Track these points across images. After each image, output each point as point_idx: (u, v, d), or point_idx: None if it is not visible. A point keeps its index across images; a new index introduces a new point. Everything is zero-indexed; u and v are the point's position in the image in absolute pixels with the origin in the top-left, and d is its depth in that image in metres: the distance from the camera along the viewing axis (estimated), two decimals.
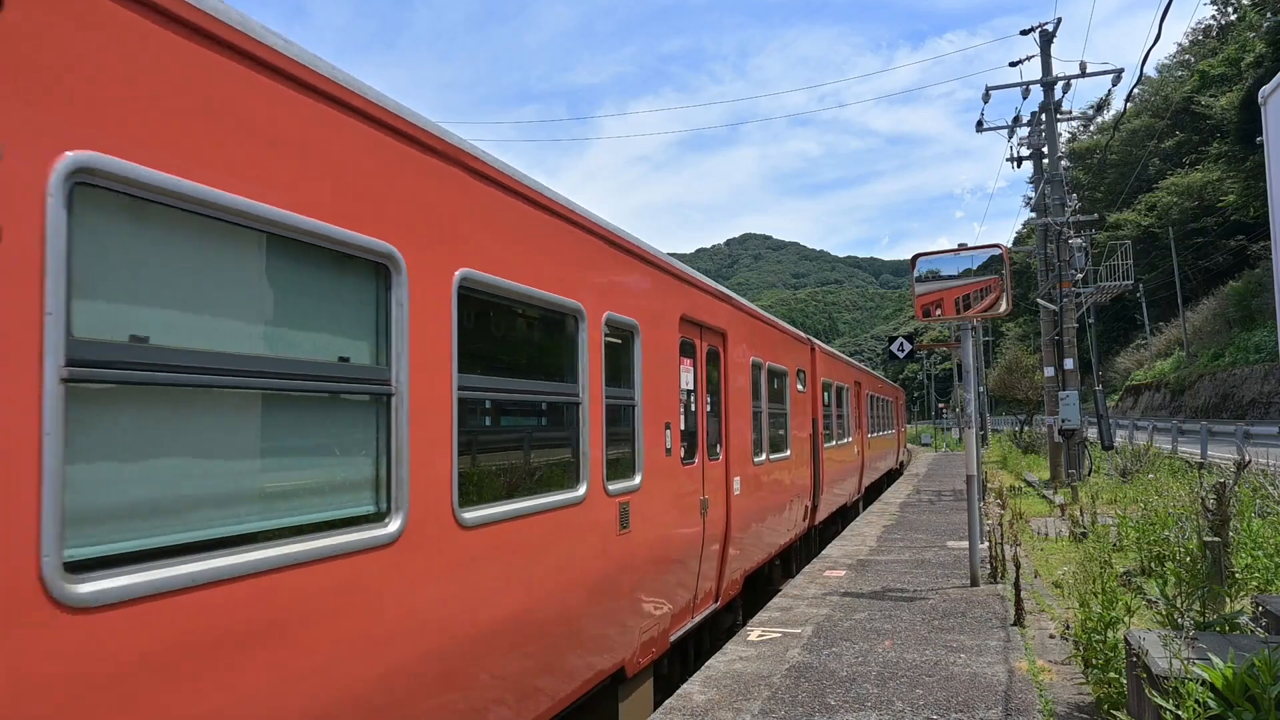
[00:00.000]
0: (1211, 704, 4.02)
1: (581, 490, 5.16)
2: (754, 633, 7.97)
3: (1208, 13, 66.04)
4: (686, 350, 7.30)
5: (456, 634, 3.84)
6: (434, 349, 3.76)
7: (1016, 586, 8.20)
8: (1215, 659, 4.22)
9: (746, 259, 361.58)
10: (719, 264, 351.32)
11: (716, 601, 8.07)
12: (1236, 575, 7.45)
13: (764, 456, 10.03)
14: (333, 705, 3.06)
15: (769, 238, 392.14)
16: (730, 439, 8.52)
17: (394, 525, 3.43)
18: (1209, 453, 19.61)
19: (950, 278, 10.01)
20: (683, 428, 7.15)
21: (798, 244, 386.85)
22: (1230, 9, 63.45)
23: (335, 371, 3.29)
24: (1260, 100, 6.21)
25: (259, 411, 2.95)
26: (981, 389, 52.40)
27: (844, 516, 17.44)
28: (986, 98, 24.74)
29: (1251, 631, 5.64)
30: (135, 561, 2.41)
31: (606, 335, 5.62)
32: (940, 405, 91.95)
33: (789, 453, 11.56)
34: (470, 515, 3.95)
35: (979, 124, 25.73)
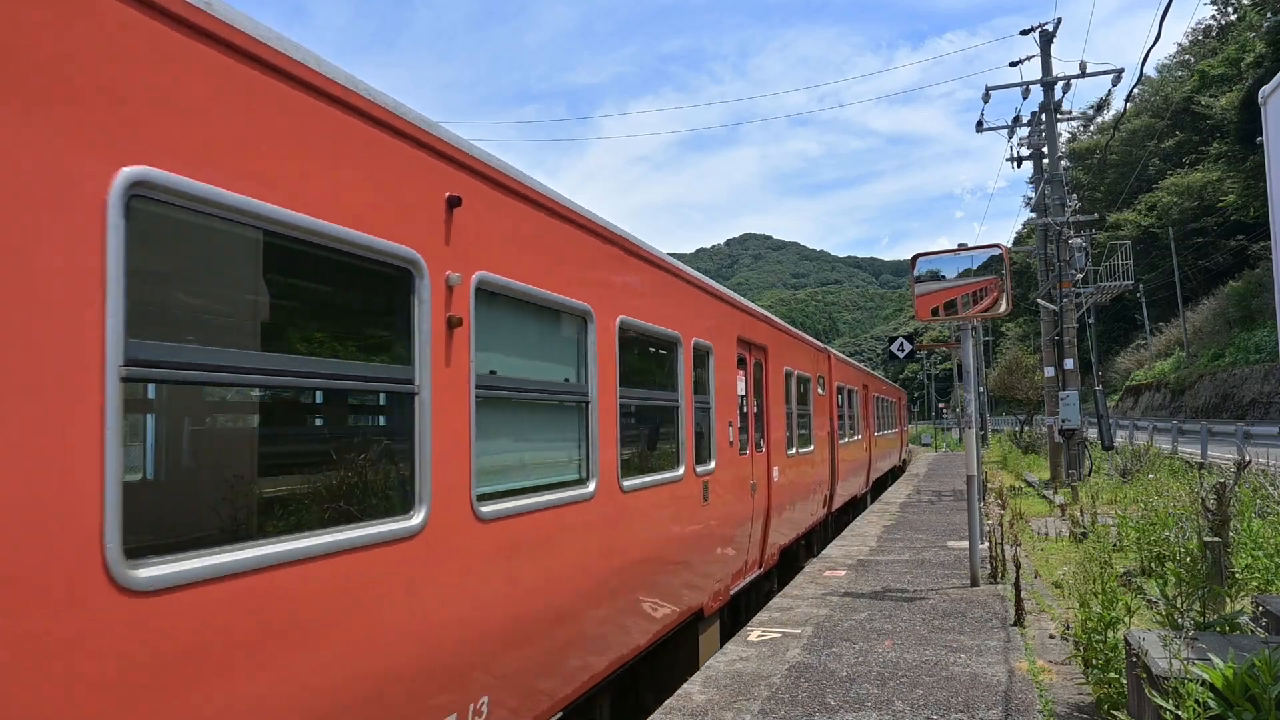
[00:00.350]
0: (1211, 704, 4.02)
1: (681, 470, 6.98)
2: (754, 633, 7.97)
3: (1208, 13, 66.13)
4: (740, 363, 8.93)
5: (627, 560, 5.80)
6: (607, 371, 5.60)
7: (1016, 586, 8.20)
8: (1215, 659, 4.22)
9: (746, 259, 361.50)
10: (719, 264, 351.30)
11: (761, 567, 9.60)
12: (1236, 575, 7.45)
13: (794, 450, 11.80)
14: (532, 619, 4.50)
15: (769, 238, 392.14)
16: (770, 435, 10.19)
17: (590, 487, 5.30)
18: (1209, 453, 19.61)
19: (950, 278, 10.01)
20: (739, 425, 8.74)
21: (798, 244, 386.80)
22: (1230, 9, 63.47)
23: (554, 386, 5.20)
24: (1260, 100, 6.21)
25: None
26: (981, 389, 52.43)
27: (854, 508, 18.94)
28: (986, 98, 24.74)
29: (1251, 631, 5.64)
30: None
31: (693, 355, 7.48)
32: (940, 405, 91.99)
33: (812, 447, 13.36)
34: (627, 483, 5.85)
35: (979, 124, 25.73)
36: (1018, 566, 8.95)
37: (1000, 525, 12.72)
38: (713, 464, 7.77)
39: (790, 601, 9.31)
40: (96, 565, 2.26)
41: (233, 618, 2.66)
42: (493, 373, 4.24)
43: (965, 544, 11.83)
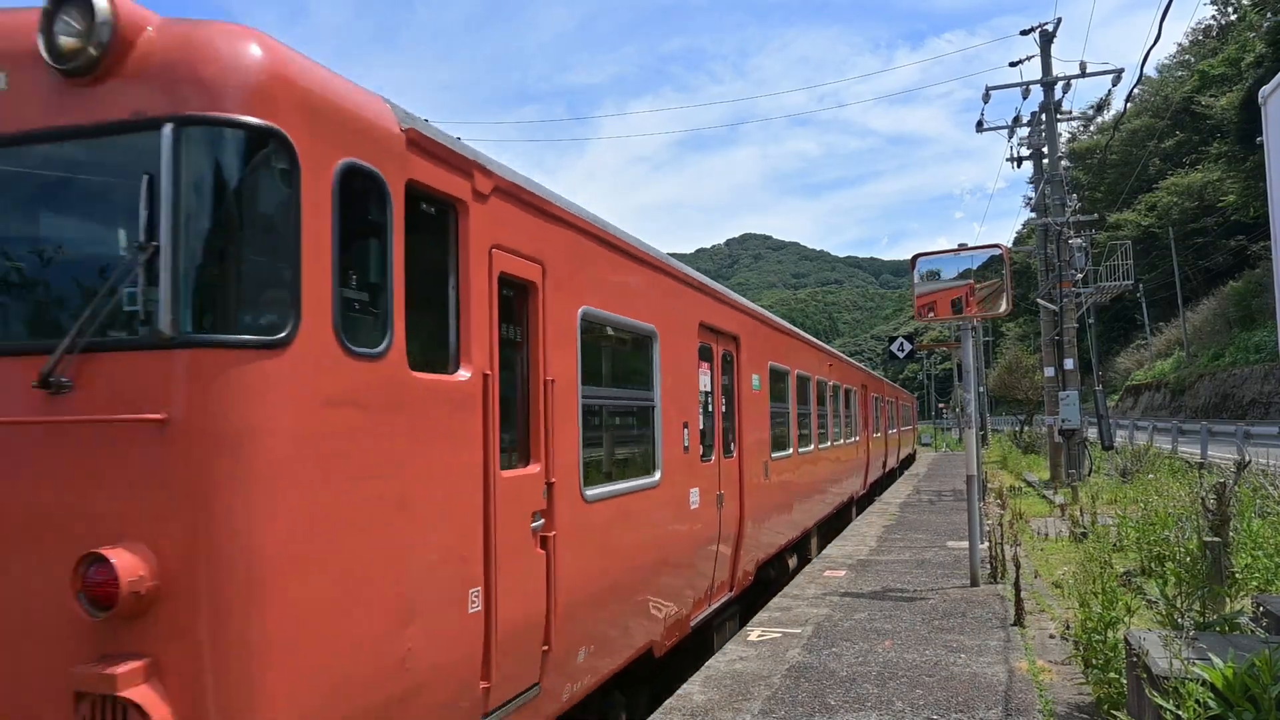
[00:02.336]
0: (1211, 704, 4.02)
1: (854, 440, 14.64)
2: (754, 633, 7.97)
3: (1208, 13, 66.04)
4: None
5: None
6: (743, 394, 9.19)
7: (1016, 586, 8.20)
8: (1215, 659, 4.22)
9: (746, 259, 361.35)
10: (719, 264, 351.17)
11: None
12: (1236, 575, 7.45)
13: (854, 440, 17.90)
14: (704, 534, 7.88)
15: (769, 238, 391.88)
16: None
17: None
18: (1209, 453, 19.60)
19: (950, 278, 10.00)
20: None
21: (798, 244, 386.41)
22: (1230, 9, 63.42)
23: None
24: (1260, 100, 6.22)
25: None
26: (981, 389, 52.39)
27: (880, 485, 24.10)
28: (986, 98, 24.73)
29: (1251, 631, 5.64)
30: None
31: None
32: (940, 405, 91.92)
33: (857, 438, 18.21)
34: (782, 455, 10.06)
35: (979, 124, 25.71)
36: (1017, 566, 8.95)
37: (1000, 525, 12.71)
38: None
39: (790, 601, 9.31)
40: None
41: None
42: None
43: (965, 544, 11.83)
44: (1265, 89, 6.13)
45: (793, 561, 11.69)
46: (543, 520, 4.79)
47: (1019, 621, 7.94)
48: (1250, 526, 8.42)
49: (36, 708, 2.96)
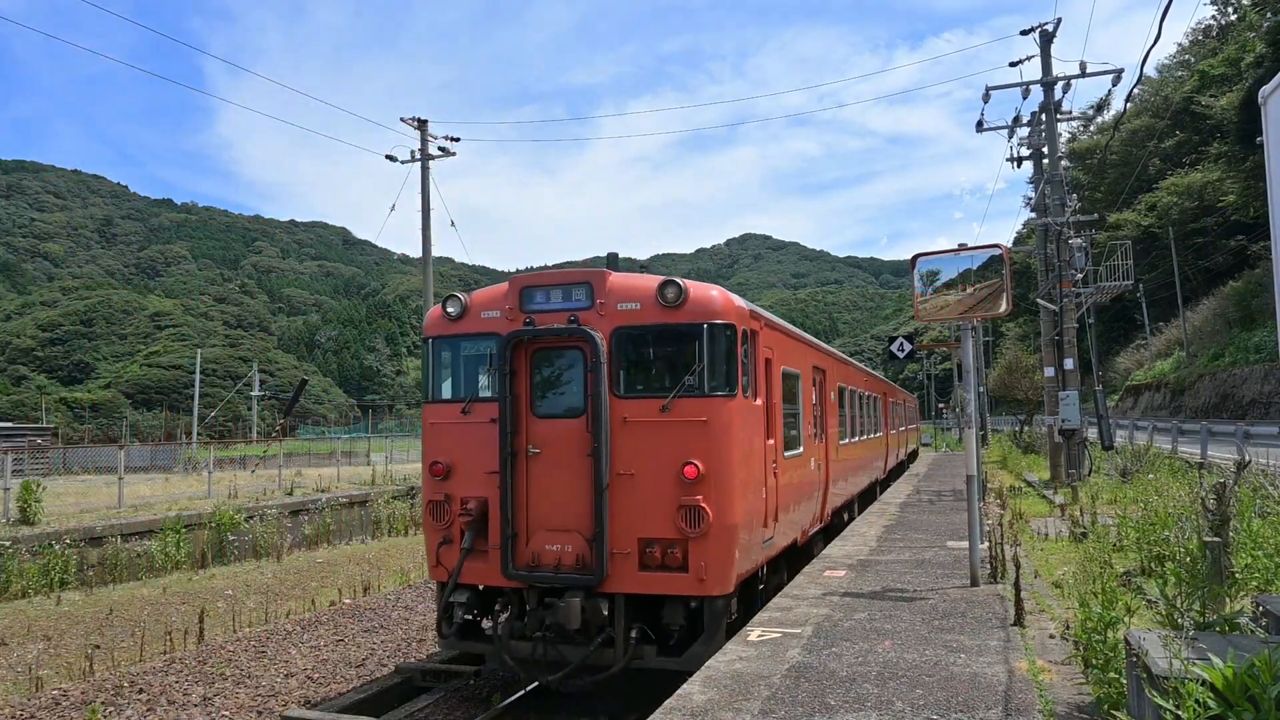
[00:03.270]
0: (1211, 704, 4.02)
1: (879, 434, 21.75)
2: (754, 633, 7.97)
3: (1208, 13, 65.99)
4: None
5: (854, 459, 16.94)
6: (827, 402, 13.96)
7: (1016, 586, 8.20)
8: (1215, 659, 4.22)
9: (746, 259, 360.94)
10: (719, 264, 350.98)
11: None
12: (1236, 575, 7.45)
13: (879, 435, 22.30)
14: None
15: (769, 238, 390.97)
16: (877, 428, 21.18)
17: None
18: (1209, 453, 19.58)
19: (950, 280, 9.99)
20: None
21: (798, 244, 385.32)
22: (1230, 9, 63.39)
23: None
24: (1260, 100, 6.22)
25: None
26: (981, 389, 52.39)
27: (895, 473, 29.41)
28: (986, 98, 24.71)
29: (1251, 631, 5.64)
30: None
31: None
32: (940, 405, 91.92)
33: (880, 434, 22.67)
34: (844, 443, 15.53)
35: (979, 124, 25.70)
36: (1017, 566, 8.95)
37: (1000, 525, 12.72)
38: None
39: (790, 601, 9.31)
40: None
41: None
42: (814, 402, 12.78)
43: (965, 544, 11.82)
44: (1265, 89, 6.13)
45: (848, 514, 17.29)
46: (774, 463, 9.81)
47: (1019, 621, 7.94)
48: (1250, 526, 8.42)
49: (667, 512, 8.04)
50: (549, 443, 8.47)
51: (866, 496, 20.28)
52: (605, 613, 8.09)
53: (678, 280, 8.23)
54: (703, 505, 7.88)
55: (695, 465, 7.89)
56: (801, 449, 11.37)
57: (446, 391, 9.16)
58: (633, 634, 8.12)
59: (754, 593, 9.66)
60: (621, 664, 8.09)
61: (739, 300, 8.68)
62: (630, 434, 8.17)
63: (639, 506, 8.09)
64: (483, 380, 8.98)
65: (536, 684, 8.99)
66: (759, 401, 9.07)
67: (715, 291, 8.40)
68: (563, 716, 9.09)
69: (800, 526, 11.49)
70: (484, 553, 8.52)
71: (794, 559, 11.61)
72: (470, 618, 8.94)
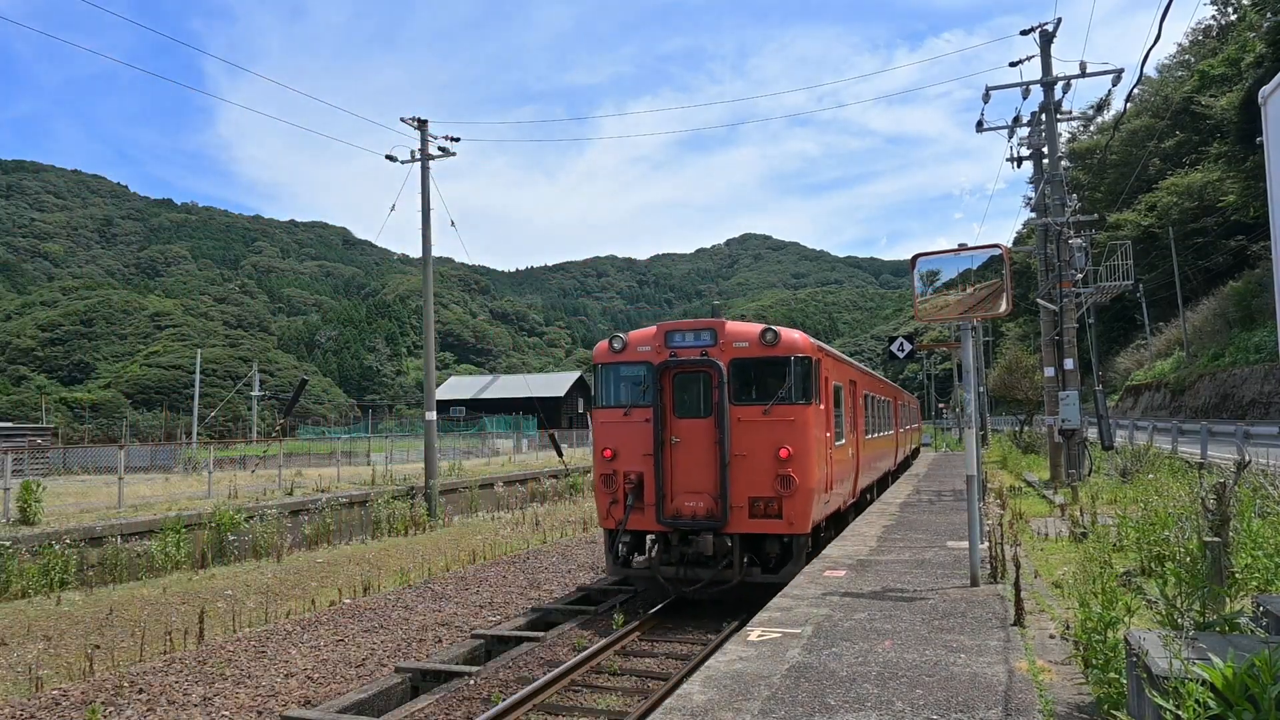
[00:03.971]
0: (1211, 704, 4.01)
1: (891, 432, 25.24)
2: (754, 633, 7.97)
3: (1208, 13, 65.98)
4: (890, 402, 21.88)
5: (872, 452, 20.24)
6: (857, 405, 17.44)
7: (1016, 586, 8.20)
8: (1215, 659, 4.22)
9: (746, 259, 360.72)
10: (719, 264, 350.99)
11: (893, 467, 23.42)
12: (1236, 575, 7.45)
13: (891, 432, 25.34)
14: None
15: (769, 238, 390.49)
16: (890, 426, 24.54)
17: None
18: (1209, 453, 19.58)
19: (950, 280, 9.99)
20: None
21: (798, 244, 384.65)
22: (1230, 9, 63.38)
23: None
24: (1260, 100, 6.22)
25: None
26: (981, 389, 52.41)
27: (904, 465, 33.33)
28: (986, 98, 24.67)
29: (1251, 631, 5.63)
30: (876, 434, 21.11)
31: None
32: (940, 405, 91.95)
33: (891, 431, 25.58)
34: (867, 437, 18.89)
35: (979, 124, 25.67)
36: (1017, 566, 8.94)
37: (1000, 525, 12.72)
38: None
39: (790, 601, 9.30)
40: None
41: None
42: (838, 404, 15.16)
43: (965, 544, 11.83)
44: (1265, 89, 6.13)
45: (870, 496, 20.60)
46: (830, 449, 13.38)
47: (1019, 621, 7.94)
48: (1250, 526, 8.41)
49: (768, 479, 11.97)
50: (686, 435, 12.39)
51: (881, 485, 24.17)
52: (728, 545, 12.10)
53: (774, 328, 12.33)
54: (792, 474, 11.80)
55: (787, 448, 11.84)
56: (844, 440, 15.11)
57: (611, 400, 13.03)
58: (745, 559, 12.16)
59: (818, 538, 13.63)
60: (738, 578, 12.04)
61: (811, 340, 12.75)
62: (742, 429, 12.05)
63: (748, 476, 11.96)
64: (635, 393, 12.85)
65: (672, 599, 12.76)
66: (823, 407, 12.93)
67: (798, 335, 12.53)
68: (675, 634, 11.95)
69: (843, 498, 15.41)
70: (640, 509, 12.46)
71: (838, 522, 15.68)
72: (626, 555, 13.26)
